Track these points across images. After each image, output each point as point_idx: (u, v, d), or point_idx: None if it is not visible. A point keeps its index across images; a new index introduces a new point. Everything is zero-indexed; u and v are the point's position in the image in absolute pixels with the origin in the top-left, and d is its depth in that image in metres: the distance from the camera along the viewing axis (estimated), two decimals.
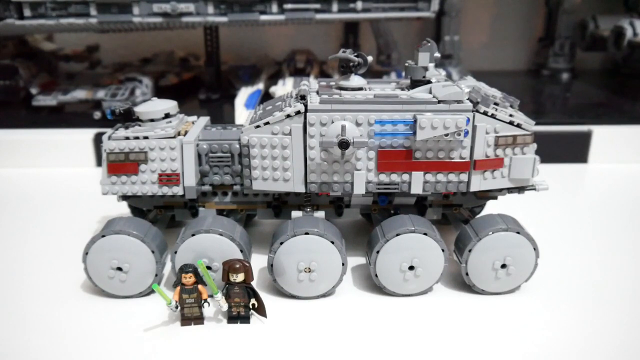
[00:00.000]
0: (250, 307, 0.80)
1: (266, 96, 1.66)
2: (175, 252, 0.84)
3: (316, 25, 1.70)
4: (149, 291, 0.86)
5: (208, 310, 0.81)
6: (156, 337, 0.78)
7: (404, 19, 1.62)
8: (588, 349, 0.75)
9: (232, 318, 0.81)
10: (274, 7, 1.49)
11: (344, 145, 0.81)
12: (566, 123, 1.54)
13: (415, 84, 0.90)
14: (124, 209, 1.06)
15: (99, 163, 1.49)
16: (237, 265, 0.78)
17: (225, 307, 0.79)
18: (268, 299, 0.83)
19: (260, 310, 0.80)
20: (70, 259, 0.92)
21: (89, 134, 1.49)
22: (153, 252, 0.85)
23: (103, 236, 0.84)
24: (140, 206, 1.00)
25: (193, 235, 0.84)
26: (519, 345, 0.76)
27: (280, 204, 0.98)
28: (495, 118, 0.84)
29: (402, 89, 0.92)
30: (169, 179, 0.90)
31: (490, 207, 1.05)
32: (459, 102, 0.83)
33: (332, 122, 0.83)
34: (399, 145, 0.84)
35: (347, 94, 0.87)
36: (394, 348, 0.75)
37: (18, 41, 1.90)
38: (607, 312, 0.84)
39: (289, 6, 1.49)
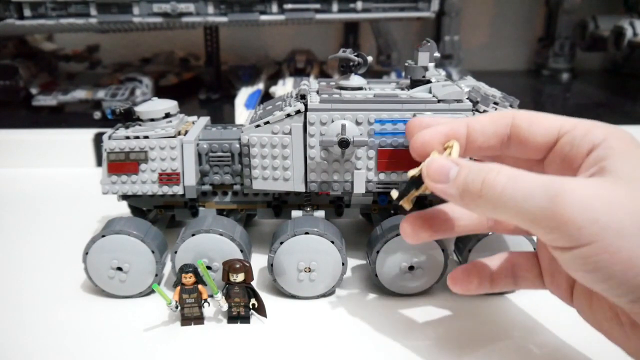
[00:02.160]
0: (250, 307, 0.80)
1: (266, 96, 1.67)
2: (175, 252, 0.84)
3: (316, 25, 1.70)
4: (149, 291, 0.86)
5: (208, 310, 0.81)
6: (156, 337, 0.78)
7: (404, 19, 1.62)
8: (588, 348, 0.75)
9: (232, 318, 0.81)
10: (274, 7, 1.50)
11: (344, 144, 0.81)
12: None
13: (415, 83, 0.90)
14: (124, 209, 1.06)
15: (99, 163, 1.49)
16: (237, 265, 0.78)
17: (225, 307, 0.79)
18: (268, 299, 0.83)
19: (260, 310, 0.80)
20: (70, 259, 0.92)
21: (89, 134, 1.49)
22: (153, 252, 0.85)
23: (103, 236, 0.84)
24: (140, 206, 1.00)
25: (193, 235, 0.84)
26: (519, 345, 0.76)
27: (280, 204, 0.98)
28: None
29: (402, 89, 0.92)
30: (169, 178, 0.90)
31: None
32: (458, 101, 0.83)
33: (332, 122, 0.83)
34: (399, 144, 0.84)
35: (347, 94, 0.86)
36: (394, 348, 0.75)
37: (18, 41, 1.90)
38: None
39: (289, 6, 1.49)
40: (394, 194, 0.71)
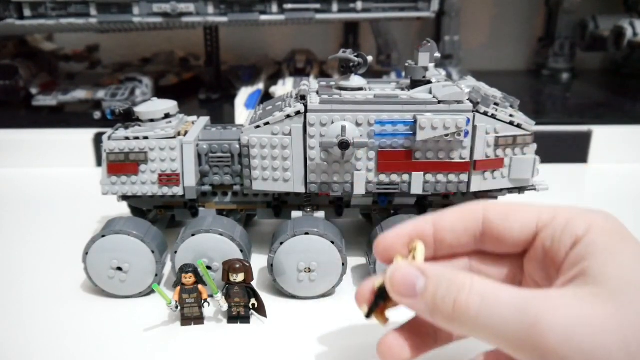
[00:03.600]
0: (250, 307, 0.80)
1: (266, 96, 1.66)
2: (175, 252, 0.84)
3: (316, 25, 1.70)
4: (149, 291, 0.86)
5: (208, 310, 0.81)
6: (156, 337, 0.78)
7: (404, 19, 1.62)
8: None
9: (232, 318, 0.81)
10: (274, 7, 1.50)
11: (344, 145, 0.81)
12: (566, 123, 1.55)
13: (415, 84, 0.90)
14: (124, 209, 1.06)
15: (99, 163, 1.49)
16: (237, 265, 0.78)
17: (225, 307, 0.79)
18: (268, 299, 0.83)
19: (260, 310, 0.80)
20: (70, 259, 0.92)
21: (89, 134, 1.49)
22: (153, 252, 0.85)
23: (103, 236, 0.84)
24: (140, 206, 1.00)
25: (193, 235, 0.84)
26: None
27: (280, 204, 0.98)
28: (495, 118, 0.84)
29: (402, 89, 0.92)
30: (169, 179, 0.90)
31: None
32: (459, 102, 0.83)
33: (332, 123, 0.83)
34: (399, 145, 0.84)
35: (347, 94, 0.87)
36: None
37: (18, 41, 1.90)
38: None
39: (289, 6, 1.49)
40: (364, 309, 0.61)
